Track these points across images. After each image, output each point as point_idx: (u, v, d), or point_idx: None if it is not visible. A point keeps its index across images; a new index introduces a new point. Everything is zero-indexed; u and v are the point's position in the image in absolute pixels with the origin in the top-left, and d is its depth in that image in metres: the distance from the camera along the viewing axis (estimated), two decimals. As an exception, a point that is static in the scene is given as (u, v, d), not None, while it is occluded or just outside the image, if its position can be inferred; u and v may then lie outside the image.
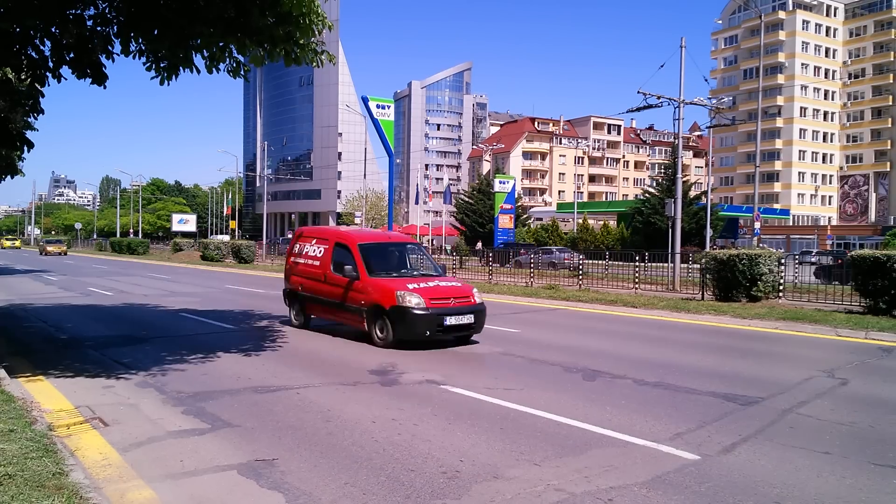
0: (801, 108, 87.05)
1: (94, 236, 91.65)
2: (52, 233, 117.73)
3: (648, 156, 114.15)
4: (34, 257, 53.39)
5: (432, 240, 66.60)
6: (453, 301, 10.45)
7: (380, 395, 7.30)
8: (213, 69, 7.68)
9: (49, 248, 59.00)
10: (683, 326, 13.54)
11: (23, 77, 8.02)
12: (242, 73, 7.91)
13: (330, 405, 6.80)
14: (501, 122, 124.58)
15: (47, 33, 7.38)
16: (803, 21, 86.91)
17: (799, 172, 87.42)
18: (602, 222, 60.01)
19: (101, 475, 4.76)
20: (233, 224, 74.71)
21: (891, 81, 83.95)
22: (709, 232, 36.63)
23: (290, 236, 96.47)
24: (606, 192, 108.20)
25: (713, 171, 70.54)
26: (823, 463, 5.14)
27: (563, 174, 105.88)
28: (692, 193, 54.86)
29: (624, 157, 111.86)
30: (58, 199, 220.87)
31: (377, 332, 10.39)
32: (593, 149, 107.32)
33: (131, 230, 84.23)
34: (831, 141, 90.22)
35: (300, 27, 7.26)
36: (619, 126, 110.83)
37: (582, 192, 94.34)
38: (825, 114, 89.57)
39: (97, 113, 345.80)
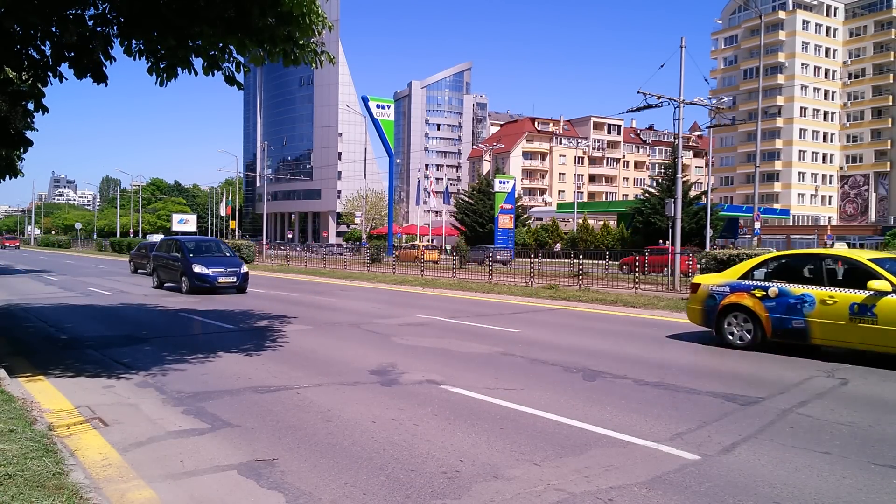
0: (801, 108, 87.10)
1: (95, 236, 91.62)
2: (53, 232, 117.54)
3: (648, 156, 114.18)
4: (33, 257, 53.38)
5: (432, 239, 66.60)
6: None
7: (380, 395, 7.30)
8: (211, 72, 7.68)
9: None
10: (684, 326, 13.53)
11: (24, 77, 8.02)
12: (239, 78, 7.90)
13: (330, 405, 6.80)
14: (501, 122, 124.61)
15: (47, 33, 7.38)
16: (803, 21, 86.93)
17: (799, 172, 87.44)
18: (602, 222, 59.99)
19: (102, 475, 4.76)
20: (233, 224, 74.70)
21: (891, 81, 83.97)
22: (709, 232, 36.64)
23: (290, 236, 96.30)
24: (606, 192, 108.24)
25: (713, 171, 70.54)
26: (823, 463, 5.14)
27: (563, 174, 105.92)
28: (692, 193, 54.86)
29: (624, 157, 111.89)
30: (58, 199, 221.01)
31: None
32: (593, 149, 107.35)
33: (131, 230, 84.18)
34: (831, 141, 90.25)
35: (300, 27, 7.26)
36: (619, 126, 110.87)
37: (582, 192, 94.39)
38: (825, 114, 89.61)
39: (97, 113, 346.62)
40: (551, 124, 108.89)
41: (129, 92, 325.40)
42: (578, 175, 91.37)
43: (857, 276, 9.34)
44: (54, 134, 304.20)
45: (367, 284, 24.62)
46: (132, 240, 63.38)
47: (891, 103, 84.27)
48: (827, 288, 9.41)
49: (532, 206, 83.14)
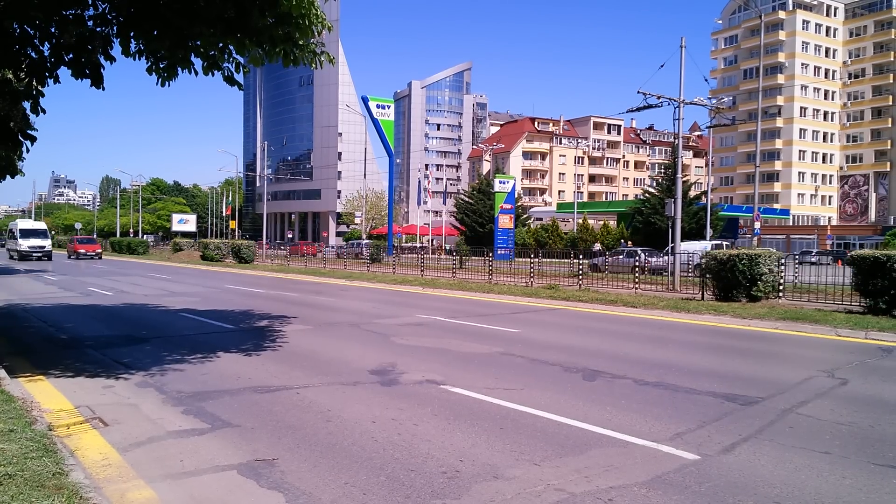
0: (801, 107, 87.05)
1: (95, 236, 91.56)
2: (53, 232, 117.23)
3: (648, 156, 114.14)
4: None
5: (432, 240, 66.61)
6: None
7: (380, 395, 7.30)
8: (211, 72, 7.68)
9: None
10: (683, 326, 13.54)
11: (22, 77, 8.01)
12: (239, 78, 7.91)
13: (330, 405, 6.80)
14: (501, 122, 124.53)
15: (46, 33, 7.38)
16: (803, 21, 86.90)
17: (799, 172, 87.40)
18: (602, 222, 59.96)
19: (101, 475, 4.76)
20: (233, 224, 74.70)
21: (891, 81, 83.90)
22: (709, 232, 36.62)
23: (290, 236, 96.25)
24: (606, 192, 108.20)
25: (713, 171, 70.56)
26: (823, 463, 5.13)
27: (563, 174, 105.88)
28: (692, 193, 54.79)
29: (624, 157, 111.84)
30: (58, 199, 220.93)
31: None
32: (593, 149, 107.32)
33: (131, 230, 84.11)
34: (831, 141, 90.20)
35: (299, 28, 7.26)
36: (619, 126, 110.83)
37: (582, 192, 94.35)
38: (825, 114, 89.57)
39: (97, 113, 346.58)
40: (551, 124, 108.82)
41: (129, 92, 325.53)
42: (578, 175, 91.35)
43: None
44: (54, 134, 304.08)
45: (367, 284, 24.62)
46: (132, 239, 63.32)
47: (891, 103, 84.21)
48: None
49: (532, 206, 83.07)
